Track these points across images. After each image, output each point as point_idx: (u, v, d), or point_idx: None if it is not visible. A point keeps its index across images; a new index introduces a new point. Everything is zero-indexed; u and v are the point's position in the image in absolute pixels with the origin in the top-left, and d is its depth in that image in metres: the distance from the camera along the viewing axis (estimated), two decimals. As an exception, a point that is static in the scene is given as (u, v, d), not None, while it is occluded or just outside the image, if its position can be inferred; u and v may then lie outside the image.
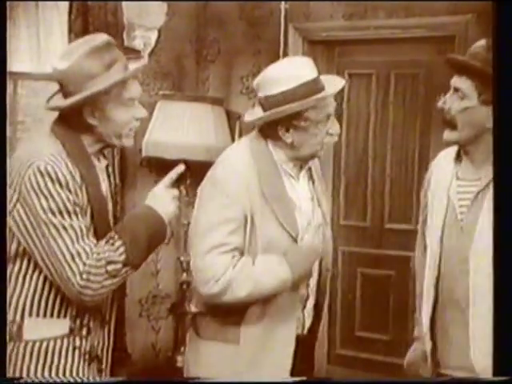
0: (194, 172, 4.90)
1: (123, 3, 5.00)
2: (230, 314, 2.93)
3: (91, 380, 2.62)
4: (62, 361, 2.63)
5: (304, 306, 3.07)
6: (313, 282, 3.09)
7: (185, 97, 5.05)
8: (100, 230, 2.64)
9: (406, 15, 4.66)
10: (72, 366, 2.64)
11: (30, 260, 2.60)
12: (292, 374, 3.02)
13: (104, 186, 2.74)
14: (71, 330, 2.64)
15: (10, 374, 2.56)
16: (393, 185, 5.13)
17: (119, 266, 2.57)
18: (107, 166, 2.81)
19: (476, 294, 2.78)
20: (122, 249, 2.57)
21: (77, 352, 2.65)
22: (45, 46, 4.89)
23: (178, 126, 4.90)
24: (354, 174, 5.26)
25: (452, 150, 2.98)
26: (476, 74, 2.74)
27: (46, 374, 2.60)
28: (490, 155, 2.73)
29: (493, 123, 2.52)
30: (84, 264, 2.52)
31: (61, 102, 2.66)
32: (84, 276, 2.52)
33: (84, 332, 2.66)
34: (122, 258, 2.57)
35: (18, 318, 2.59)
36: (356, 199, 5.27)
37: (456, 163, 2.92)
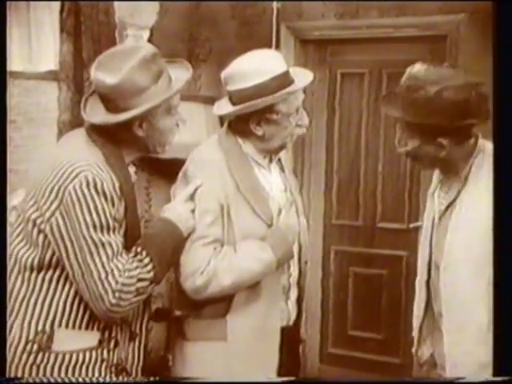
0: (187, 171, 4.91)
1: (115, 2, 4.99)
2: (215, 310, 2.93)
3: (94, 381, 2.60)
4: (90, 373, 2.60)
5: (288, 298, 3.07)
6: (294, 272, 3.10)
7: (177, 96, 5.05)
8: (130, 243, 2.61)
9: (398, 14, 4.67)
10: (99, 377, 2.61)
11: (63, 270, 2.56)
12: (279, 369, 3.02)
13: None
14: (100, 343, 2.61)
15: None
16: (385, 184, 5.14)
17: (147, 283, 2.57)
18: (136, 173, 2.80)
19: (447, 306, 2.79)
20: (150, 266, 2.57)
21: (104, 364, 2.62)
22: (36, 45, 4.89)
23: (169, 125, 4.89)
24: (346, 173, 5.26)
25: None
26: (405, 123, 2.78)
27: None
28: (458, 171, 2.78)
29: (493, 123, 2.51)
30: (117, 282, 2.50)
31: (109, 117, 2.61)
32: (116, 294, 2.50)
33: (112, 344, 2.64)
34: (151, 275, 2.57)
35: (47, 328, 2.56)
36: (348, 198, 5.28)
37: (441, 173, 2.94)
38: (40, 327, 2.55)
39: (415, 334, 3.00)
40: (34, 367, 2.54)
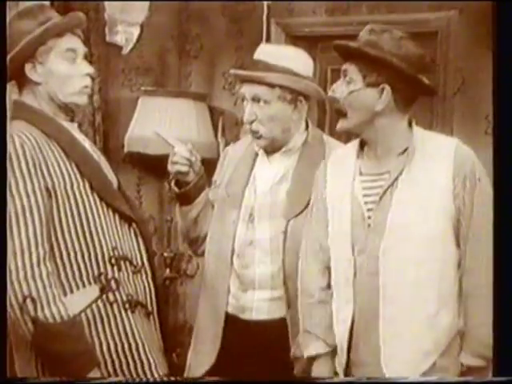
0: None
1: (105, -1, 5.00)
2: None
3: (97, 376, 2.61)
4: (105, 320, 2.66)
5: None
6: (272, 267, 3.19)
7: (167, 92, 5.02)
8: None
9: (388, 11, 4.67)
10: (116, 319, 2.67)
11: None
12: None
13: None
14: (101, 290, 2.66)
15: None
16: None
17: None
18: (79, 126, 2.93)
19: (385, 294, 2.71)
20: None
21: (115, 306, 2.68)
22: (26, 42, 4.85)
23: (160, 122, 4.87)
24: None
25: (350, 146, 2.96)
26: (358, 57, 2.76)
27: (96, 339, 2.64)
28: (395, 146, 2.77)
29: (492, 123, 2.53)
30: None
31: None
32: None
33: (113, 285, 2.68)
34: None
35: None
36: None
37: (358, 158, 2.87)
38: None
39: (343, 342, 2.81)
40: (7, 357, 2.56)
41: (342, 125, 2.83)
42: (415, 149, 2.76)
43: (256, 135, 3.20)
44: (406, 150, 2.78)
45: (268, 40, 4.93)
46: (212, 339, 3.20)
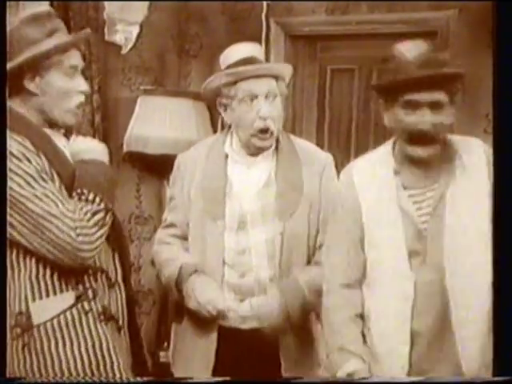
0: (177, 167, 4.88)
1: (104, -2, 5.00)
2: None
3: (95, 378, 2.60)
4: (79, 329, 2.61)
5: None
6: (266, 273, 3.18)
7: (166, 92, 5.03)
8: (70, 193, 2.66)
9: (388, 10, 4.67)
10: (90, 329, 2.63)
11: (18, 249, 2.57)
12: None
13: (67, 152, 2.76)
14: (77, 298, 2.62)
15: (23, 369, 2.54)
16: (375, 180, 5.12)
17: (102, 214, 2.60)
18: (65, 134, 2.82)
19: (456, 300, 2.71)
20: (97, 198, 2.60)
21: (90, 315, 2.63)
22: (25, 41, 4.85)
23: (159, 121, 4.87)
24: (336, 168, 5.24)
25: (378, 160, 2.98)
26: (441, 81, 2.77)
27: (68, 346, 2.59)
28: (441, 158, 2.78)
29: (492, 122, 2.53)
30: (74, 220, 2.52)
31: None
32: (78, 231, 2.52)
33: (90, 295, 2.65)
34: (102, 205, 2.60)
35: (23, 308, 2.57)
36: (338, 194, 5.26)
37: (396, 175, 2.84)
38: (17, 310, 2.56)
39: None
40: (26, 349, 2.55)
41: (423, 152, 2.78)
42: (456, 157, 2.79)
43: (266, 134, 3.13)
44: (448, 158, 2.80)
45: (267, 39, 4.94)
46: (203, 359, 3.17)
